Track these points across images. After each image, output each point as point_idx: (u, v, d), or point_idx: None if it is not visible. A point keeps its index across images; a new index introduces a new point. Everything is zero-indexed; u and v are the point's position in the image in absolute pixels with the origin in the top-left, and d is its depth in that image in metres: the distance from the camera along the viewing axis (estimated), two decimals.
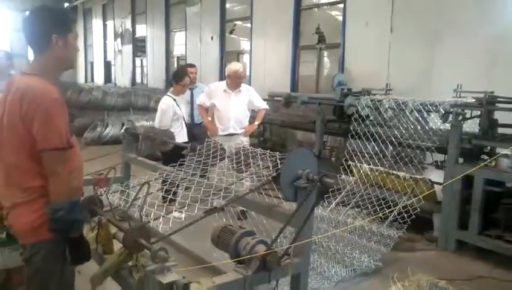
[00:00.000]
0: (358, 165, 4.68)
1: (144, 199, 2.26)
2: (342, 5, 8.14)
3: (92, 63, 19.97)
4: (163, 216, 2.27)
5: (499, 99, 4.14)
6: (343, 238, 3.86)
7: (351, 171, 4.83)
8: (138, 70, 16.12)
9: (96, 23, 19.25)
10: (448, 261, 3.90)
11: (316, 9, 9.29)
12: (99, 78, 18.82)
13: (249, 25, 10.48)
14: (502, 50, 5.49)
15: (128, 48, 16.46)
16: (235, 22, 11.50)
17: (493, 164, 4.04)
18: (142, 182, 2.52)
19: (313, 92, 8.63)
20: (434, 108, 4.31)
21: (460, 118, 4.08)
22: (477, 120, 4.22)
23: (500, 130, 4.24)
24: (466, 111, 4.21)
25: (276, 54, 9.58)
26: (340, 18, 8.24)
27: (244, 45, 11.22)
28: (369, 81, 6.58)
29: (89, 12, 19.89)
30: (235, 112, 5.02)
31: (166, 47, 14.11)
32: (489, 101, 4.07)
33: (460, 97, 4.39)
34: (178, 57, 13.76)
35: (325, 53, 9.07)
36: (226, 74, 5.22)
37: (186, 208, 2.35)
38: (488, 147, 4.21)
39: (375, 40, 7.39)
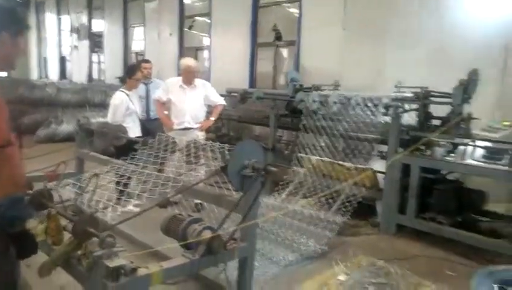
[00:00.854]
0: (308, 157, 4.94)
1: (93, 190, 2.36)
2: (298, 3, 8.39)
3: (45, 59, 19.26)
4: (112, 206, 2.37)
5: (432, 93, 4.49)
6: (292, 225, 4.09)
7: (303, 163, 5.08)
8: (95, 66, 15.76)
9: (50, 17, 18.59)
10: (388, 244, 4.22)
11: (273, 7, 9.50)
12: (53, 74, 18.21)
13: (208, 21, 10.56)
14: (442, 49, 5.96)
15: (84, 43, 16.04)
16: (194, 18, 11.53)
17: (428, 153, 4.41)
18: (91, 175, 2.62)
19: (271, 88, 8.86)
20: (376, 102, 4.62)
21: (399, 111, 4.41)
22: (415, 113, 4.56)
23: (434, 122, 4.59)
24: (405, 105, 4.54)
25: (235, 50, 9.72)
26: (297, 16, 8.49)
27: (204, 41, 11.28)
28: (324, 77, 6.85)
29: (42, 6, 19.17)
30: (190, 106, 5.12)
31: (124, 43, 13.90)
32: (425, 96, 4.42)
33: (400, 92, 4.71)
34: (137, 53, 13.59)
35: (282, 50, 9.32)
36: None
37: (135, 198, 2.46)
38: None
39: (328, 38, 7.70)
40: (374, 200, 4.68)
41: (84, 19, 15.96)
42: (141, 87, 5.75)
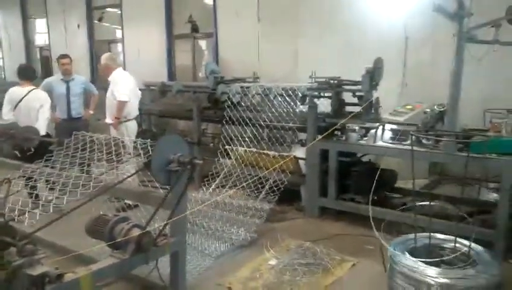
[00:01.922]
0: (234, 148, 5.00)
1: (5, 197, 2.17)
2: None
3: None
4: (28, 211, 2.20)
5: (344, 82, 4.80)
6: (222, 217, 4.14)
7: (228, 155, 5.14)
8: None
9: None
10: (313, 226, 4.46)
11: None
12: None
13: (119, 12, 10.08)
14: (352, 41, 6.40)
15: None
16: (104, 10, 10.91)
17: (344, 138, 4.72)
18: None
19: (191, 80, 8.76)
20: (293, 92, 4.82)
21: (314, 99, 4.65)
22: (329, 101, 4.83)
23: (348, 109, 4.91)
24: (320, 94, 4.80)
25: (150, 43, 9.42)
26: (212, 7, 8.46)
27: (116, 33, 10.75)
28: (243, 69, 6.93)
29: None
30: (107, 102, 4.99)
31: (24, 36, 12.72)
32: (337, 84, 4.71)
33: (315, 82, 4.96)
34: (41, 47, 12.54)
35: (201, 42, 9.24)
36: None
37: (54, 199, 2.31)
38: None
39: (245, 30, 7.79)
40: (298, 185, 4.90)
41: None
42: (60, 85, 5.43)
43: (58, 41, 11.45)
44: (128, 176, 2.83)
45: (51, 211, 2.19)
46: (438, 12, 3.57)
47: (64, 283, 1.98)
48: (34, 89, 4.92)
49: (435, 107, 4.89)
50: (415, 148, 4.15)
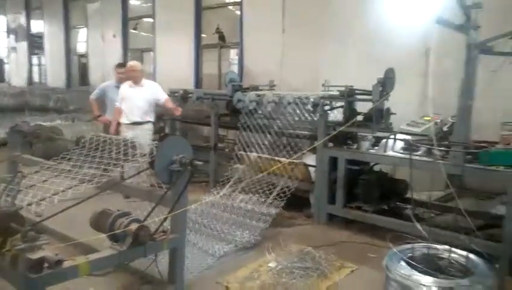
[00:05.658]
0: (247, 154, 5.15)
1: (17, 189, 2.41)
2: (239, 6, 8.61)
3: None
4: (36, 202, 2.42)
5: (356, 91, 4.85)
6: (229, 219, 4.28)
7: (242, 160, 5.29)
8: (36, 69, 15.18)
9: None
10: (319, 232, 4.51)
11: (216, 9, 9.66)
12: None
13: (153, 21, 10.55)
14: (372, 52, 6.43)
15: (23, 45, 15.39)
16: (138, 20, 11.45)
17: (354, 146, 4.77)
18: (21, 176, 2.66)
19: (217, 88, 9.02)
20: (306, 101, 4.91)
21: (327, 108, 4.73)
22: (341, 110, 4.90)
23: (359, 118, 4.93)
24: (332, 102, 4.87)
25: (180, 52, 9.78)
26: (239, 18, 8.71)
27: (148, 42, 11.24)
28: (266, 78, 7.09)
29: None
30: None
31: (66, 44, 13.51)
32: (349, 94, 4.76)
33: (328, 91, 5.04)
34: (80, 55, 13.28)
35: (227, 51, 9.51)
36: None
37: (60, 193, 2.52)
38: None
39: (269, 40, 7.98)
40: (308, 192, 4.96)
41: (22, 19, 15.33)
42: (114, 91, 5.91)
43: (95, 50, 12.10)
44: (135, 174, 3.03)
45: (56, 202, 2.40)
46: (441, 25, 3.57)
47: (63, 268, 2.17)
48: None
49: (449, 118, 4.86)
50: (423, 158, 4.16)
